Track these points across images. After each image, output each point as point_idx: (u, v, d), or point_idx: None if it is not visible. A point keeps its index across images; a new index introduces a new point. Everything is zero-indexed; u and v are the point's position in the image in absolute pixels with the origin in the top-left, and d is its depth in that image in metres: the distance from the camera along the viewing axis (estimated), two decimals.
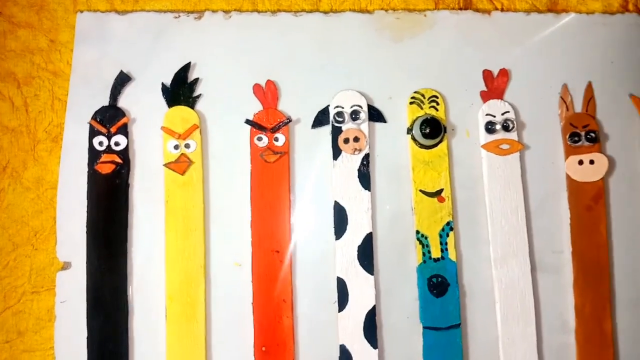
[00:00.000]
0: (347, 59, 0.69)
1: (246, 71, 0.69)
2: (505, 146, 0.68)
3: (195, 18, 0.70)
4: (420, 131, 0.67)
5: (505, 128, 0.69)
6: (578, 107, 0.70)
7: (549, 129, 0.70)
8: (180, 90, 0.68)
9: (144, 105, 0.66)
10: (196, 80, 0.68)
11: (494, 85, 0.70)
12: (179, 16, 0.70)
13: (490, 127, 0.69)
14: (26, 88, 0.68)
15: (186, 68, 0.68)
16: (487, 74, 0.70)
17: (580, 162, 0.68)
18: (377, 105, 0.69)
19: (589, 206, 0.68)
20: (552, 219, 0.67)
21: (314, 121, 0.68)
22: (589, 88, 0.71)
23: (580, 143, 0.69)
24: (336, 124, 0.68)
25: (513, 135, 0.69)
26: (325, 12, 0.71)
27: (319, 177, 0.68)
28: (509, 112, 0.69)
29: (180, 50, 0.69)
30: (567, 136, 0.69)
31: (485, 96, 0.70)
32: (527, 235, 0.67)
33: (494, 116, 0.69)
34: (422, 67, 0.70)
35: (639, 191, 0.70)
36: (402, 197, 0.68)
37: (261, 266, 0.65)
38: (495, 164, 0.68)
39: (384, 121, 0.69)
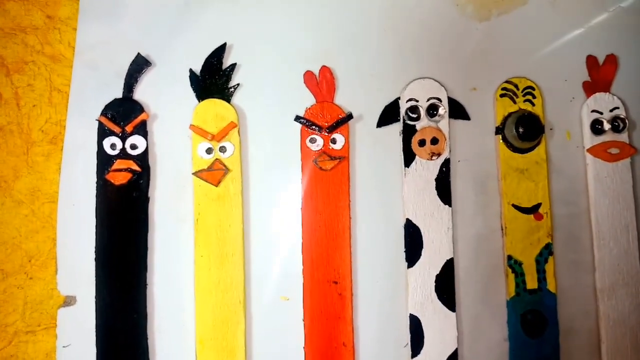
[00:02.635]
0: (421, 41, 0.56)
1: (295, 55, 0.55)
2: (614, 150, 0.55)
3: None
4: (515, 131, 0.53)
5: (615, 128, 0.55)
6: None
7: None
8: (214, 79, 0.54)
9: (168, 97, 0.55)
10: (233, 66, 0.55)
11: (600, 74, 0.57)
12: None
13: (597, 127, 0.56)
14: (17, 76, 0.54)
15: (220, 51, 0.54)
16: (591, 61, 0.57)
17: None
18: (458, 97, 0.56)
19: None
20: None
21: (380, 118, 0.55)
22: None
23: None
24: (409, 122, 0.54)
25: (624, 137, 0.56)
26: None
27: (387, 188, 0.55)
28: (618, 108, 0.56)
29: (212, 29, 0.55)
30: None
31: (589, 88, 0.57)
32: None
33: (601, 113, 0.56)
34: (512, 51, 0.56)
35: None
36: (489, 214, 0.55)
37: (315, 301, 0.53)
38: (602, 173, 0.55)
39: (468, 118, 0.55)
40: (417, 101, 0.55)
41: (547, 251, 0.55)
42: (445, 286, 0.54)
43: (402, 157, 0.55)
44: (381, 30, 0.56)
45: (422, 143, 0.54)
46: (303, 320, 0.53)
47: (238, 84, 0.55)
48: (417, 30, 0.56)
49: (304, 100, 0.55)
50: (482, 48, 0.57)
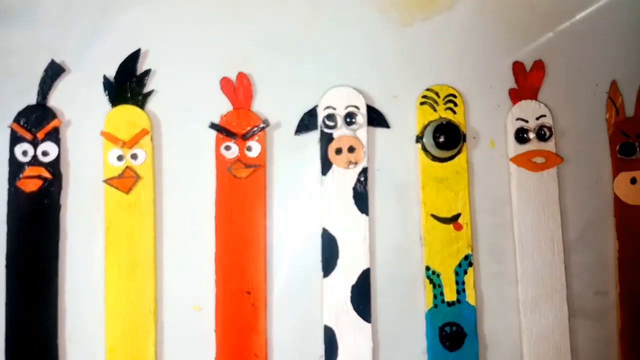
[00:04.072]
0: (341, 47, 0.55)
1: (212, 61, 0.54)
2: (539, 159, 0.54)
3: None
4: (433, 140, 0.52)
5: (541, 136, 0.54)
6: (631, 109, 0.56)
7: (594, 138, 0.56)
8: (127, 85, 0.54)
9: (82, 104, 0.54)
10: (147, 72, 0.54)
11: (527, 81, 0.55)
12: None
13: (521, 136, 0.54)
14: None
15: (134, 57, 0.54)
16: (518, 68, 0.55)
17: (634, 181, 0.54)
18: (379, 106, 0.55)
19: None
20: (597, 253, 0.56)
21: (298, 126, 0.54)
22: None
23: (634, 156, 0.55)
24: (326, 130, 0.53)
25: (550, 146, 0.54)
26: None
27: (304, 197, 0.54)
28: (545, 116, 0.55)
29: (127, 35, 0.54)
30: (617, 147, 0.55)
31: (516, 96, 0.55)
32: (565, 272, 0.53)
33: (527, 121, 0.54)
34: (436, 58, 0.55)
35: None
36: (408, 224, 0.54)
37: (227, 311, 0.52)
38: (527, 183, 0.54)
39: (387, 126, 0.54)
40: (334, 109, 0.54)
41: (466, 262, 0.53)
42: (361, 297, 0.53)
43: (320, 165, 0.54)
44: (302, 35, 0.55)
45: (339, 151, 0.53)
46: (215, 331, 0.52)
47: (153, 90, 0.54)
48: (338, 36, 0.55)
49: (221, 107, 0.54)
50: (405, 55, 0.55)
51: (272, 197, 0.54)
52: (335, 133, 0.54)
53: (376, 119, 0.55)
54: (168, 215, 0.53)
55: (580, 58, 0.56)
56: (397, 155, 0.55)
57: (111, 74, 0.54)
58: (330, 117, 0.53)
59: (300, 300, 0.53)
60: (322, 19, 0.55)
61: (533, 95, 0.55)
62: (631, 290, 0.54)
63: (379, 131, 0.55)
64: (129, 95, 0.54)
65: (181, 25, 0.55)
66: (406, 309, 0.54)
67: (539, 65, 0.55)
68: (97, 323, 0.52)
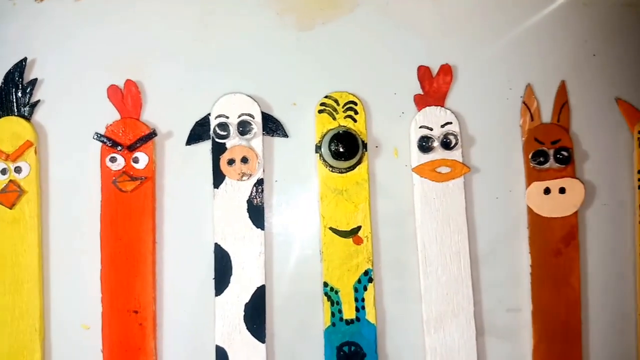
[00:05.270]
0: (238, 52, 0.52)
1: (100, 69, 0.52)
2: (444, 169, 0.51)
3: (35, 0, 0.53)
4: (330, 150, 0.49)
5: (446, 145, 0.51)
6: (547, 115, 0.52)
7: (507, 145, 0.53)
8: (12, 95, 0.51)
9: None
10: (34, 81, 0.51)
11: (433, 87, 0.52)
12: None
13: (425, 144, 0.51)
14: None
15: (20, 66, 0.51)
16: (423, 72, 0.52)
17: (547, 191, 0.51)
18: (277, 114, 0.52)
19: (557, 250, 0.51)
20: (508, 268, 0.52)
21: (190, 136, 0.52)
22: (562, 90, 0.53)
23: (547, 165, 0.51)
24: (218, 140, 0.51)
25: (456, 155, 0.51)
26: None
27: (197, 211, 0.51)
28: (451, 123, 0.52)
29: (13, 43, 0.52)
30: (530, 156, 0.52)
31: (421, 102, 0.52)
32: (473, 289, 0.51)
33: (431, 129, 0.51)
34: (338, 63, 0.52)
35: (626, 230, 0.52)
36: (308, 238, 0.51)
37: (115, 331, 0.50)
38: (430, 194, 0.51)
39: (286, 135, 0.52)
40: (226, 118, 0.51)
41: (366, 278, 0.51)
42: (255, 315, 0.50)
43: (212, 177, 0.51)
44: (195, 41, 0.53)
45: (231, 162, 0.51)
46: (102, 351, 0.50)
47: (39, 100, 0.52)
48: (233, 41, 0.53)
49: (110, 117, 0.52)
50: (305, 60, 0.53)
51: (162, 211, 0.51)
52: (228, 143, 0.51)
53: (273, 127, 0.52)
54: (54, 231, 0.51)
55: (492, 61, 0.53)
56: (297, 166, 0.52)
57: None
58: (222, 126, 0.51)
59: (191, 319, 0.51)
60: (218, 23, 0.53)
61: (440, 101, 0.52)
62: (545, 307, 0.51)
63: (278, 140, 0.52)
64: (14, 106, 0.52)
65: (69, 32, 0.53)
66: (304, 328, 0.51)
67: (445, 69, 0.52)
68: None
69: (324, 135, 0.51)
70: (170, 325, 0.51)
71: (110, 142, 0.51)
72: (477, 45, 0.53)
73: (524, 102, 0.53)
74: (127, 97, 0.52)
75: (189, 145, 0.52)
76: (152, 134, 0.51)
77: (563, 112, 0.53)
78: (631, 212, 0.53)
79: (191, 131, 0.52)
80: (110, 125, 0.51)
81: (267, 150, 0.52)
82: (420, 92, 0.53)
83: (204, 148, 0.52)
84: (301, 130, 0.52)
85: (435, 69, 0.53)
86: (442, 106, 0.52)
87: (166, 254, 0.51)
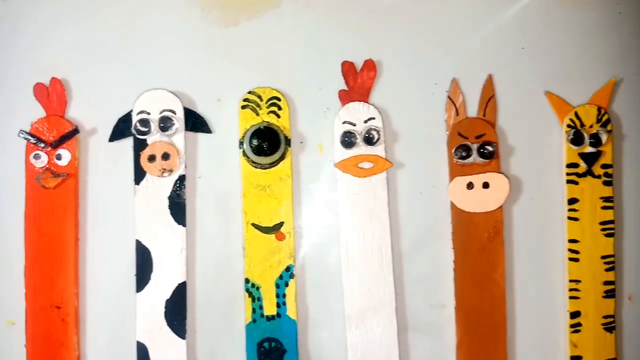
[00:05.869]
0: (162, 48, 0.52)
1: (26, 66, 0.52)
2: (366, 165, 0.51)
3: None
4: (251, 145, 0.49)
5: (368, 140, 0.51)
6: (473, 110, 0.52)
7: (432, 141, 0.52)
8: None
9: None
10: None
11: (357, 82, 0.52)
12: None
13: (347, 140, 0.51)
14: None
15: None
16: (347, 67, 0.52)
17: (470, 186, 0.51)
18: (201, 109, 0.52)
19: (481, 245, 0.51)
20: (432, 263, 0.52)
21: (113, 132, 0.52)
22: (489, 84, 0.52)
23: (470, 159, 0.51)
24: (139, 136, 0.51)
25: (379, 150, 0.51)
26: None
27: (119, 207, 0.51)
28: (374, 118, 0.51)
29: None
30: (453, 150, 0.51)
31: (345, 97, 0.52)
32: (396, 284, 0.50)
33: (354, 124, 0.51)
34: (262, 58, 0.52)
35: (555, 224, 0.51)
36: (231, 234, 0.51)
37: (38, 326, 0.51)
38: (353, 189, 0.51)
39: (209, 131, 0.52)
40: (148, 114, 0.51)
41: (288, 274, 0.51)
42: (176, 312, 0.50)
43: (133, 173, 0.51)
44: (119, 37, 0.53)
45: (152, 158, 0.51)
46: (25, 346, 0.50)
47: None
48: (158, 37, 0.53)
49: (36, 115, 0.52)
50: (229, 55, 0.53)
51: (85, 208, 0.52)
52: (149, 139, 0.51)
53: (196, 123, 0.52)
54: None
55: (417, 56, 0.53)
56: (220, 162, 0.52)
57: None
58: (144, 122, 0.51)
59: (113, 315, 0.51)
60: (142, 19, 0.53)
61: (364, 96, 0.52)
62: (469, 302, 0.51)
63: (201, 136, 0.52)
64: None
65: None
66: (226, 325, 0.51)
67: (369, 65, 0.52)
68: None
69: (247, 131, 0.51)
70: (92, 321, 0.51)
71: (34, 139, 0.51)
72: (403, 40, 0.53)
73: (449, 97, 0.53)
74: (52, 94, 0.52)
75: (112, 141, 0.52)
76: (75, 131, 0.51)
77: (489, 107, 0.52)
78: (560, 207, 0.52)
79: (114, 127, 0.52)
80: (35, 122, 0.52)
81: (190, 146, 0.52)
82: (345, 87, 0.52)
83: (127, 145, 0.52)
84: (225, 126, 0.52)
85: (360, 65, 0.52)
86: (366, 102, 0.52)
87: (89, 250, 0.52)
